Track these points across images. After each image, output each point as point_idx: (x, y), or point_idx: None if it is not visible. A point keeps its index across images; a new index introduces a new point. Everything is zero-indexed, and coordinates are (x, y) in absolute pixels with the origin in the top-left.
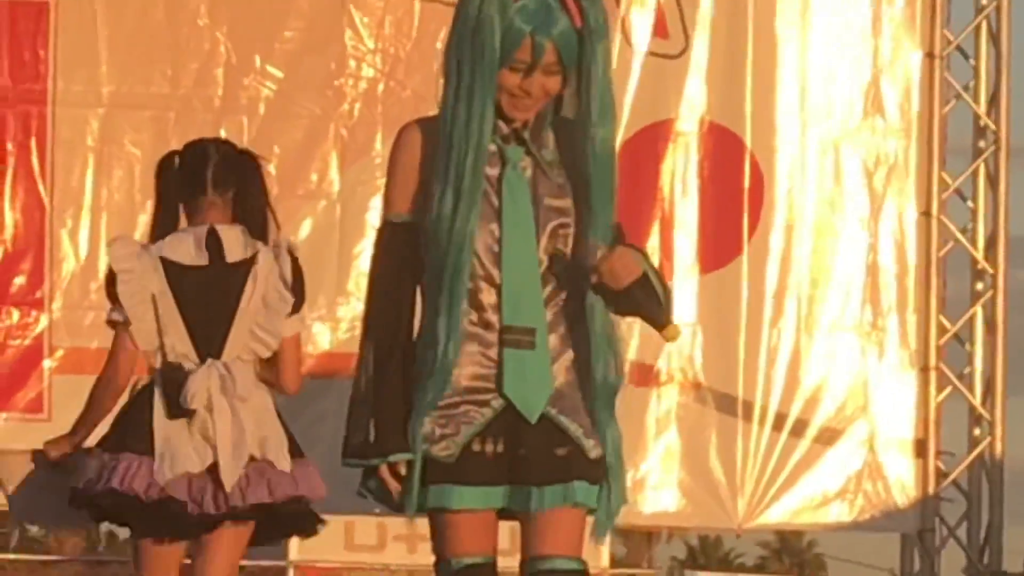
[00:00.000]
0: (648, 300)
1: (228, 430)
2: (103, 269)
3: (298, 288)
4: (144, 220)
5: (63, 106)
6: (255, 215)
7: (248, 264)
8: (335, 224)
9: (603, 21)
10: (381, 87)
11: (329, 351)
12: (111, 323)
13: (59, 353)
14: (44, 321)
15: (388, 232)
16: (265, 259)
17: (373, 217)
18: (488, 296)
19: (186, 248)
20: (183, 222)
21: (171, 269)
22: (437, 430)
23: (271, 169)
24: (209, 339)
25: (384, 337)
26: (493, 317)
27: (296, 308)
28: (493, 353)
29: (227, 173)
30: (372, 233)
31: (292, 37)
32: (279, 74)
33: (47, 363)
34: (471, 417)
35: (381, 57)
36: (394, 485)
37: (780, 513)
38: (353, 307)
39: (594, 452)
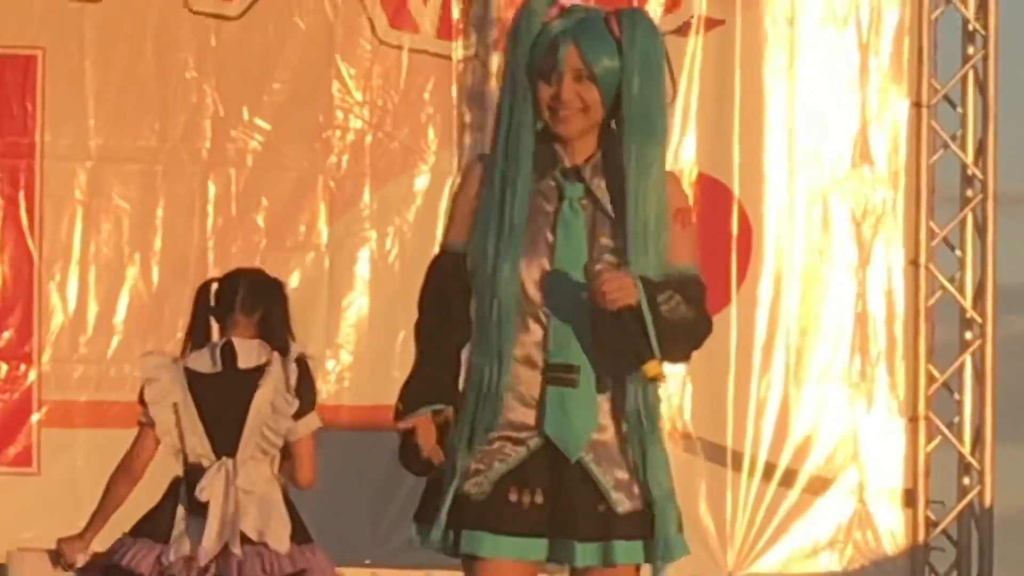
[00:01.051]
0: (636, 331)
1: (219, 516)
2: (92, 322)
3: (304, 392)
4: (132, 273)
5: (51, 159)
6: (277, 333)
7: (259, 372)
8: (324, 276)
9: (647, 37)
10: (369, 139)
11: (318, 403)
12: (139, 423)
13: (47, 407)
14: (33, 375)
15: (442, 258)
16: (274, 367)
17: (362, 269)
18: (535, 333)
19: (205, 359)
20: (216, 337)
21: (192, 377)
22: (472, 464)
23: (259, 222)
24: (224, 440)
25: (433, 337)
26: (538, 354)
27: (305, 410)
28: (536, 391)
29: (255, 299)
30: (361, 285)
31: (280, 89)
32: (267, 126)
33: (35, 416)
34: (505, 453)
35: (369, 109)
36: (425, 439)
37: (770, 563)
38: (342, 359)
39: (622, 507)
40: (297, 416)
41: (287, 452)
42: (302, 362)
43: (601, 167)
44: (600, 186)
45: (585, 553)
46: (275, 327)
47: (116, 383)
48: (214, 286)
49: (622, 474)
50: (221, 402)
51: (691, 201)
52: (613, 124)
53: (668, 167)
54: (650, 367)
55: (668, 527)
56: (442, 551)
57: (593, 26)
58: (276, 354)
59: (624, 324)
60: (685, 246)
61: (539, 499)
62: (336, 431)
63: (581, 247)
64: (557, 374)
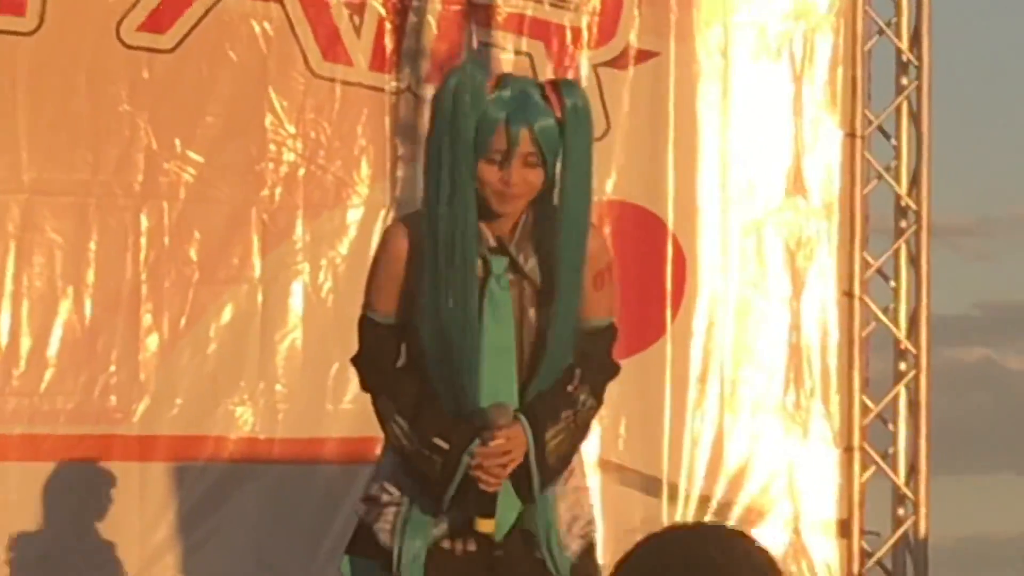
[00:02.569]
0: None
1: None
2: (24, 356)
3: None
4: (65, 306)
5: None
6: None
7: None
8: (257, 309)
9: (583, 108)
10: (302, 171)
11: (250, 436)
12: None
13: None
14: None
15: (371, 332)
16: None
17: (295, 302)
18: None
19: None
20: None
21: None
22: (387, 526)
23: (192, 255)
24: None
25: (401, 398)
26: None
27: None
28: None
29: None
30: (294, 318)
31: (212, 122)
32: (200, 159)
33: None
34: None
35: (302, 142)
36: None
37: None
38: (274, 392)
39: (569, 551)
40: None
41: None
42: None
43: (527, 236)
44: (525, 258)
45: None
46: None
47: (49, 417)
48: None
49: (567, 516)
50: None
51: (624, 233)
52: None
53: (602, 199)
54: (483, 524)
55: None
56: None
57: (539, 107)
58: None
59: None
60: (604, 301)
61: (471, 547)
62: (269, 464)
63: (509, 326)
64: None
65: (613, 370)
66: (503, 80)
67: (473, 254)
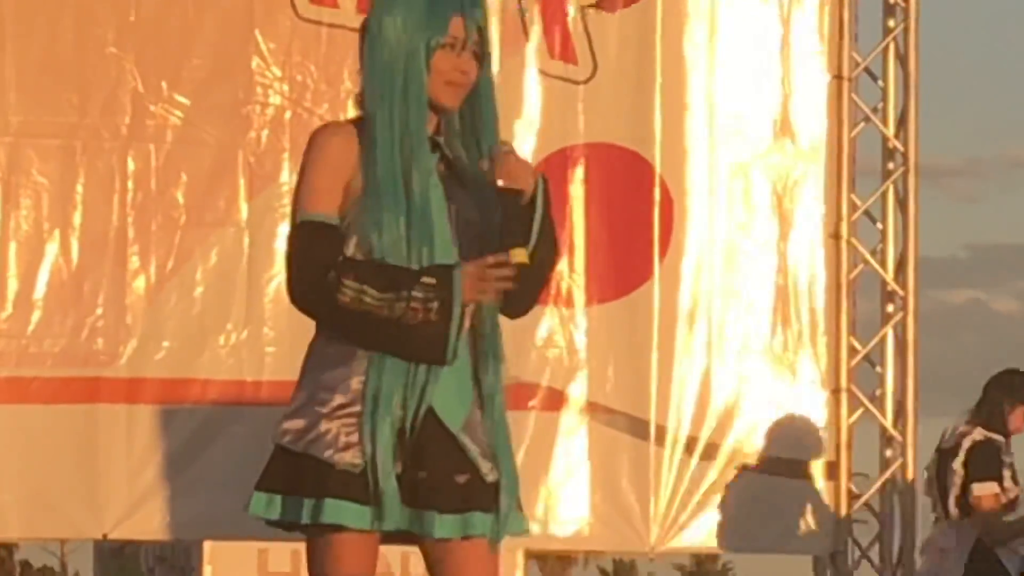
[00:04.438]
0: (523, 216)
1: None
2: (11, 299)
3: (973, 467)
4: (52, 249)
5: None
6: (987, 423)
7: (952, 451)
8: (243, 252)
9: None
10: (288, 114)
11: (237, 379)
12: None
13: None
14: None
15: (314, 232)
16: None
17: (282, 245)
18: None
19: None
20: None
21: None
22: (343, 437)
23: (179, 198)
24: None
25: (363, 273)
26: None
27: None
28: (412, 365)
29: (985, 396)
30: (280, 261)
31: (199, 65)
32: (186, 101)
33: None
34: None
35: (288, 84)
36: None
37: (693, 536)
38: (260, 335)
39: (491, 476)
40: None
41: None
42: (976, 443)
43: (448, 134)
44: (454, 152)
45: (442, 525)
46: (987, 418)
47: (36, 359)
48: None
49: (486, 444)
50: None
51: (612, 176)
52: None
53: (589, 142)
54: (519, 252)
55: (513, 500)
56: (280, 523)
57: (477, 4)
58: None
59: (515, 208)
60: None
61: (398, 469)
62: (256, 407)
63: (444, 223)
64: None
65: None
66: None
67: (425, 145)
